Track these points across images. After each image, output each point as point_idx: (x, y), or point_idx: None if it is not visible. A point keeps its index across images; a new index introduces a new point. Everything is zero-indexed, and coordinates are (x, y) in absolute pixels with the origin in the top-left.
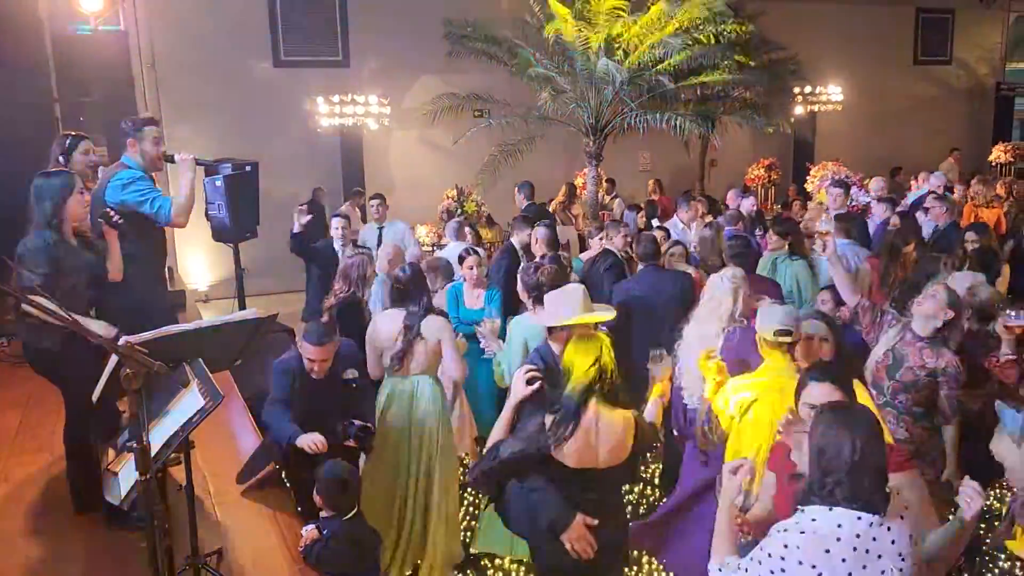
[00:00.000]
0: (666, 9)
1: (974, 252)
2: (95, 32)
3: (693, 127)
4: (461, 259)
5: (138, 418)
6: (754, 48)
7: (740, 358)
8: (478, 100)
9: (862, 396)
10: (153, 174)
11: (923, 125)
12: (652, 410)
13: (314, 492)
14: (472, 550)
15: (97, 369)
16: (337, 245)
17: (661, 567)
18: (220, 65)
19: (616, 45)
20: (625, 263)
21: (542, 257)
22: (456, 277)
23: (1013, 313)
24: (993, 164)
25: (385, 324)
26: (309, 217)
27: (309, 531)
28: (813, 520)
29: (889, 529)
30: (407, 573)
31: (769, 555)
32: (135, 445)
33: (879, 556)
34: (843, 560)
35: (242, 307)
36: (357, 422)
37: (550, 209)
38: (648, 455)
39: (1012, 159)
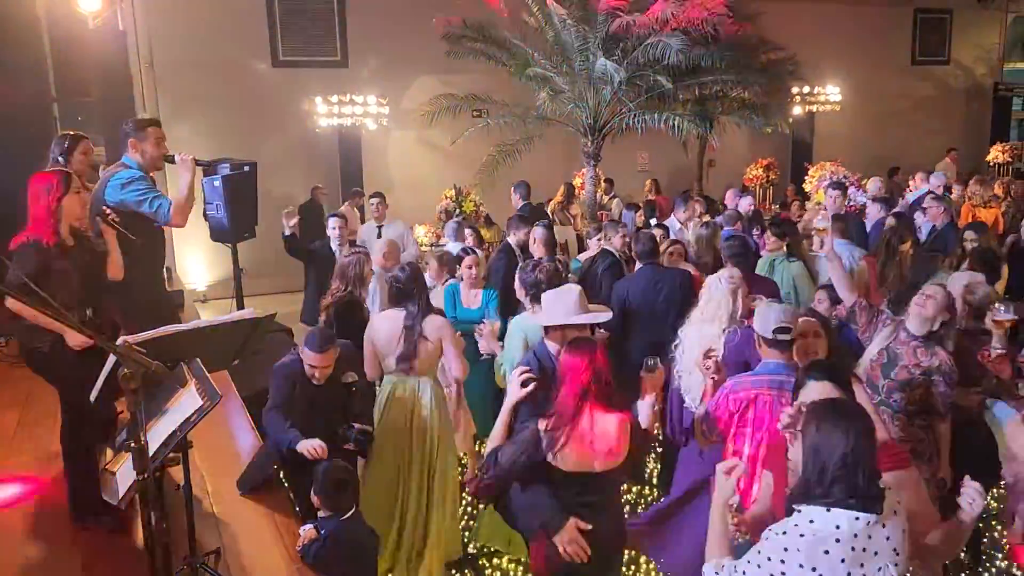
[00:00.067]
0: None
1: (973, 251)
2: (94, 31)
3: (691, 127)
4: (459, 259)
5: (136, 418)
6: (752, 48)
7: (742, 359)
8: (476, 100)
9: (861, 395)
10: (152, 174)
11: (921, 125)
12: (645, 415)
13: (312, 492)
14: (471, 550)
15: (92, 370)
16: (334, 245)
17: (657, 568)
18: (219, 65)
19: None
20: (624, 263)
21: (540, 258)
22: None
23: (1002, 307)
24: (991, 164)
25: (384, 325)
26: (297, 219)
27: (307, 531)
28: (811, 522)
29: (884, 526)
30: (407, 572)
31: (768, 559)
32: (133, 444)
33: (875, 553)
34: (842, 561)
35: (240, 307)
36: (357, 425)
37: (548, 209)
38: (649, 455)
39: (1010, 159)
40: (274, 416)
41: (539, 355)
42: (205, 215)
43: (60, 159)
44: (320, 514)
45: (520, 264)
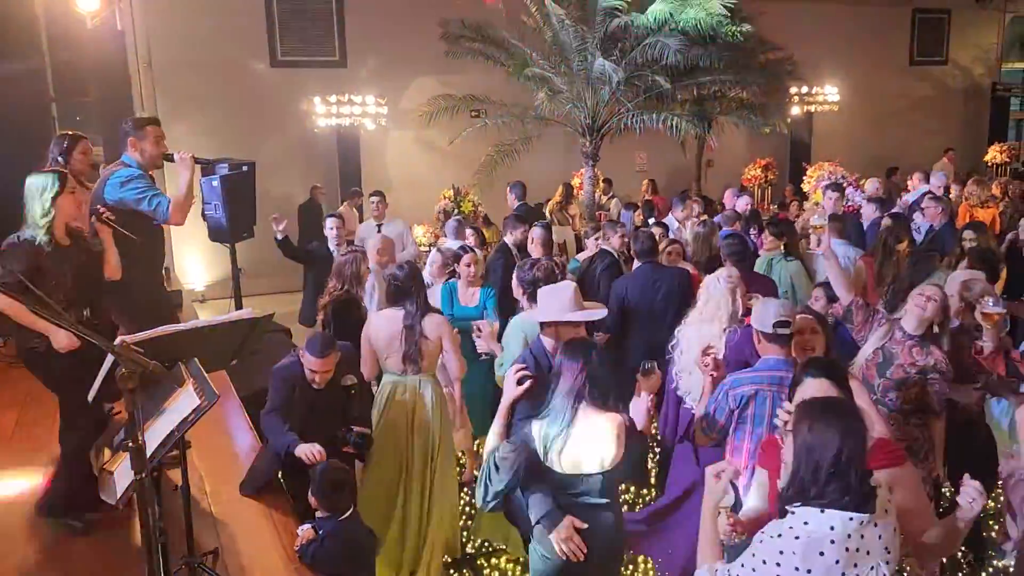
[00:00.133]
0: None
1: (972, 251)
2: (92, 31)
3: (689, 127)
4: (457, 257)
5: (134, 417)
6: (751, 48)
7: (742, 358)
8: (475, 100)
9: (858, 392)
10: (152, 172)
11: (919, 125)
12: (640, 416)
13: (310, 492)
14: (470, 549)
15: (88, 370)
16: (332, 246)
17: (656, 568)
18: (217, 65)
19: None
20: (622, 263)
21: (537, 257)
22: None
23: (991, 300)
24: (989, 164)
25: (382, 324)
26: (285, 223)
27: (305, 531)
28: (806, 524)
29: (876, 525)
30: (406, 572)
31: (763, 561)
32: (131, 444)
33: (868, 553)
34: (836, 562)
35: (239, 307)
36: (356, 428)
37: (547, 210)
38: (649, 456)
39: (1008, 159)
40: (272, 419)
41: (535, 352)
42: (203, 215)
43: (59, 159)
44: (318, 514)
45: (518, 263)
